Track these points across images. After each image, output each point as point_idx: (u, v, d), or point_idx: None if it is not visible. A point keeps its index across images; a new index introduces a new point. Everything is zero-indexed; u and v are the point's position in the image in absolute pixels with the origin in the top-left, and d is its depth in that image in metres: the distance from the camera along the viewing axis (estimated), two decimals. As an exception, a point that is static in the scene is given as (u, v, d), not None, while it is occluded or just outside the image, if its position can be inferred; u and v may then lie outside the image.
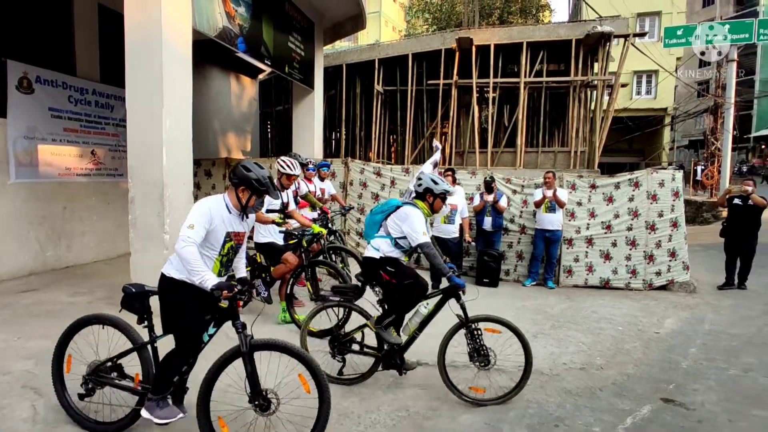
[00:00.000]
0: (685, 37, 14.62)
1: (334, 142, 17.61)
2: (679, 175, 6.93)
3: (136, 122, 4.90)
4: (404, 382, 3.58)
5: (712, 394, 3.57)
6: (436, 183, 3.54)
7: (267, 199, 4.77)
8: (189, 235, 2.46)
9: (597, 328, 5.00)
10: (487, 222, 6.88)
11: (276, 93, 16.30)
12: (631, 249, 6.78)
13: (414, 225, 3.38)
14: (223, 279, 2.70)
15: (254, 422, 2.71)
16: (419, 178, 3.60)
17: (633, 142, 24.67)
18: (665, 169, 7.17)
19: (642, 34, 15.37)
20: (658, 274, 6.77)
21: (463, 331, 3.43)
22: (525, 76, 13.23)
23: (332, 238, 6.31)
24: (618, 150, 23.74)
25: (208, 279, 2.42)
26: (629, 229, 6.79)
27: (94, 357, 2.90)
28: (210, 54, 9.51)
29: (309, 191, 5.99)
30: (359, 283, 3.64)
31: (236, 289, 2.43)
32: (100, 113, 7.35)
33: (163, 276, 2.64)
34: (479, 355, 3.41)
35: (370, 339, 3.64)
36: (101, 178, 7.46)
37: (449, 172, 6.99)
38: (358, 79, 15.52)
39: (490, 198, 6.82)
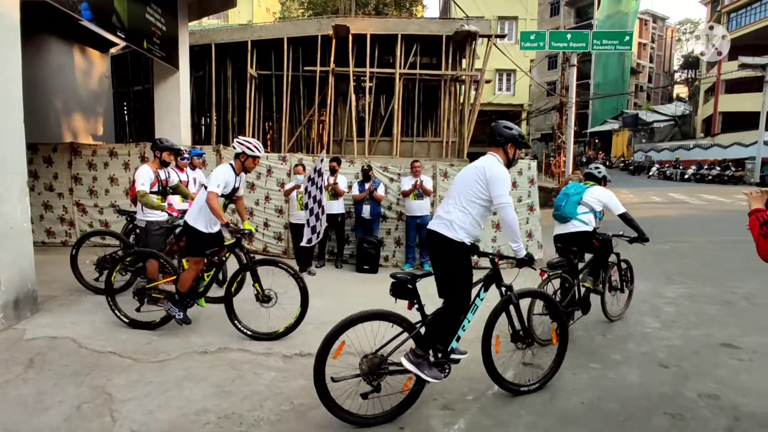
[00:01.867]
0: (537, 42, 16.31)
1: (203, 127, 16.39)
2: (534, 164, 7.78)
3: (-57, 96, 3.98)
4: (289, 377, 3.49)
5: (561, 355, 4.07)
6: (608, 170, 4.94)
7: (225, 180, 4.09)
8: (511, 202, 2.98)
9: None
10: (366, 210, 7.00)
11: (133, 71, 14.59)
12: (495, 232, 7.43)
13: (616, 200, 4.60)
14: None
15: (514, 354, 3.61)
16: (598, 167, 4.95)
17: (496, 134, 27.09)
18: (522, 159, 7.98)
19: (502, 36, 16.85)
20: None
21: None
22: (400, 68, 13.66)
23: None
24: (483, 141, 25.77)
25: (523, 248, 3.05)
26: (494, 213, 7.41)
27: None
28: (47, 21, 8.14)
29: (181, 181, 5.54)
30: (571, 256, 4.47)
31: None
32: None
33: (454, 241, 2.92)
34: (632, 282, 5.20)
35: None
36: None
37: (334, 162, 6.98)
38: (229, 60, 14.60)
39: (368, 186, 6.96)
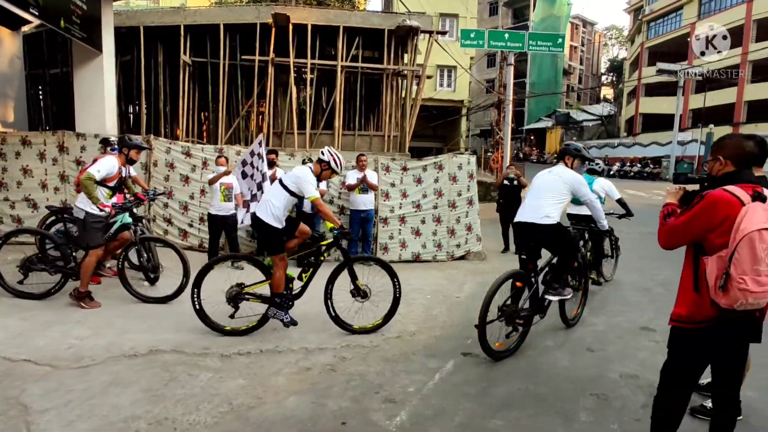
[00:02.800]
0: (476, 40, 16.68)
1: (132, 116, 15.40)
2: (473, 159, 7.99)
3: None
4: (226, 377, 3.36)
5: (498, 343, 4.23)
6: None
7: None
8: (593, 195, 4.32)
9: (410, 299, 5.45)
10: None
11: (50, 52, 13.38)
12: (436, 225, 7.58)
13: (614, 188, 6.07)
14: None
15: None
16: (598, 163, 6.27)
17: (437, 128, 27.64)
18: (462, 154, 8.17)
19: (443, 33, 17.11)
20: (458, 246, 7.73)
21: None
22: (342, 60, 13.52)
23: (137, 225, 5.55)
24: (425, 135, 26.33)
25: (606, 223, 4.44)
26: (435, 207, 7.56)
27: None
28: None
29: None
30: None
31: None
32: None
33: (552, 225, 3.96)
34: (619, 249, 6.66)
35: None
36: None
37: (272, 154, 6.80)
38: (160, 45, 13.76)
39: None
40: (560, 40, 17.25)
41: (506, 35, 16.94)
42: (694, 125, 30.29)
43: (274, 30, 12.99)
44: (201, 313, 4.10)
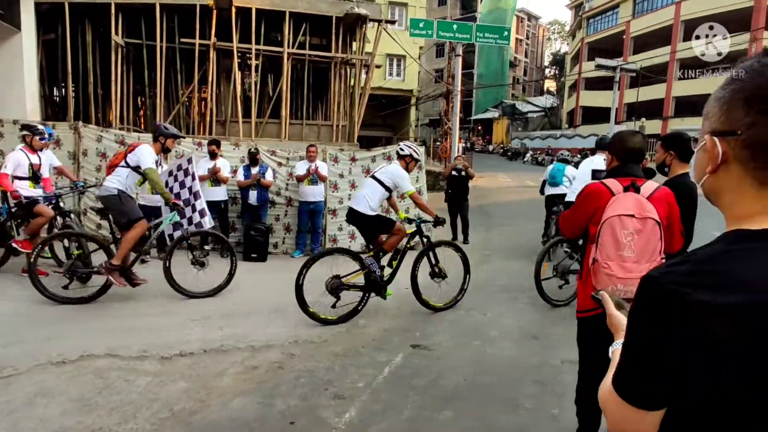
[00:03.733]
0: (425, 30, 16.69)
1: (58, 100, 14.25)
2: (422, 149, 8.03)
3: None
4: (167, 380, 3.20)
5: (445, 334, 4.30)
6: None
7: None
8: None
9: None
10: (253, 196, 6.68)
11: (-38, 28, 12.09)
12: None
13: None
14: None
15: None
16: (569, 154, 8.02)
17: (386, 118, 27.60)
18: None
19: (392, 22, 16.99)
20: (407, 236, 7.77)
21: None
22: (288, 47, 13.14)
23: (65, 220, 5.15)
24: (374, 125, 26.23)
25: None
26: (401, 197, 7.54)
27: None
28: None
29: (32, 164, 4.98)
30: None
31: None
32: None
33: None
34: None
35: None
36: None
37: (213, 145, 6.51)
38: (89, 24, 12.74)
39: (255, 171, 6.65)
40: (506, 33, 17.59)
41: (455, 26, 17.07)
42: (629, 118, 32.16)
43: (215, 12, 12.39)
44: (305, 307, 4.28)
